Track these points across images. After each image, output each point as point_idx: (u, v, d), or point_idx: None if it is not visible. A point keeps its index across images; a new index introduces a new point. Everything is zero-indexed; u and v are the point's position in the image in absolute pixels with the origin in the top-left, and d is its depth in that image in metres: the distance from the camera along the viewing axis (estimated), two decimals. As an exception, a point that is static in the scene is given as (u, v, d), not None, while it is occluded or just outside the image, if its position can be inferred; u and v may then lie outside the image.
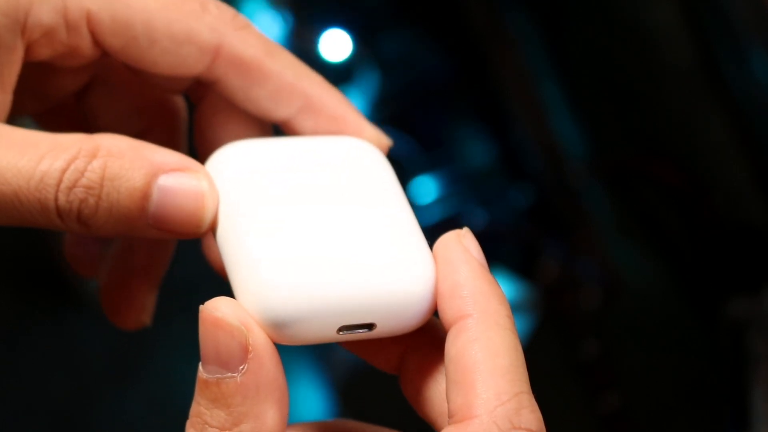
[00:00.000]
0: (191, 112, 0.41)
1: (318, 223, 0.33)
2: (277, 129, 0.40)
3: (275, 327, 0.32)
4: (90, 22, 0.36)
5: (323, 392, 0.84)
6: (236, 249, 0.33)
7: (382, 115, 0.89)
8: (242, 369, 0.32)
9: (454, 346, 0.33)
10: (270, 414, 0.32)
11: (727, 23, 0.85)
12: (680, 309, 0.94)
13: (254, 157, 0.35)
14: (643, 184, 0.93)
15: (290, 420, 0.37)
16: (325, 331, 0.33)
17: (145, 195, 0.33)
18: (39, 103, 0.40)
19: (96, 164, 0.33)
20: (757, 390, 0.83)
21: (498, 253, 0.93)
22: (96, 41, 0.37)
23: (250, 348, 0.32)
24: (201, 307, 0.33)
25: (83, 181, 0.32)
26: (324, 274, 0.32)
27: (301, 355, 0.84)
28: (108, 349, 0.78)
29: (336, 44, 0.88)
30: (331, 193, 0.34)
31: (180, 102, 0.42)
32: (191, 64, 0.37)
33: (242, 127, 0.40)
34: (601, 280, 0.92)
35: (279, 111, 0.38)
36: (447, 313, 0.33)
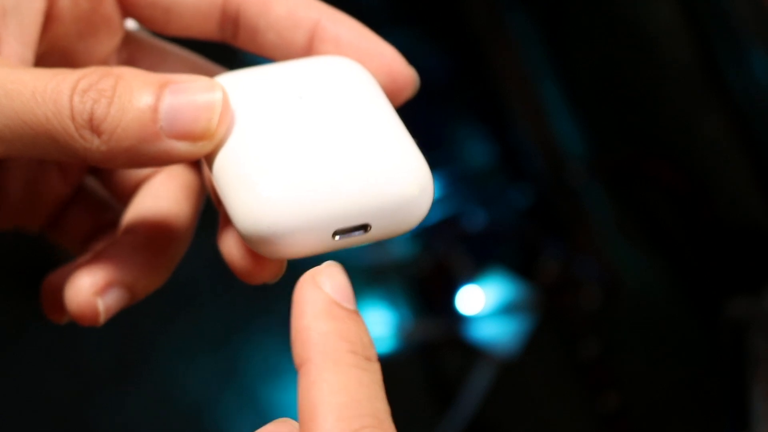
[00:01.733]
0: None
1: (307, 136, 0.33)
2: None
3: (274, 240, 0.32)
4: None
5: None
6: (227, 169, 0.34)
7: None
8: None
9: (299, 393, 0.32)
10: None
11: (727, 23, 0.85)
12: (680, 309, 0.94)
13: (241, 85, 0.36)
14: (643, 184, 0.93)
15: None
16: (322, 238, 0.33)
17: (157, 96, 0.33)
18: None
19: (110, 77, 0.34)
20: (757, 390, 0.83)
21: (498, 253, 0.93)
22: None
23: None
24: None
25: (97, 86, 0.33)
26: (314, 181, 0.32)
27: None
28: (108, 349, 0.78)
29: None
30: (318, 109, 0.34)
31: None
32: (214, 6, 0.38)
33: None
34: (601, 280, 0.92)
35: (299, 29, 0.38)
36: (294, 360, 0.33)
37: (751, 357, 0.85)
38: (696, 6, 0.87)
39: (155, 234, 0.40)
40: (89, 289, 0.38)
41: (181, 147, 0.34)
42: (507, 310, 0.91)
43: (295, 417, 0.39)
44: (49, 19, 0.36)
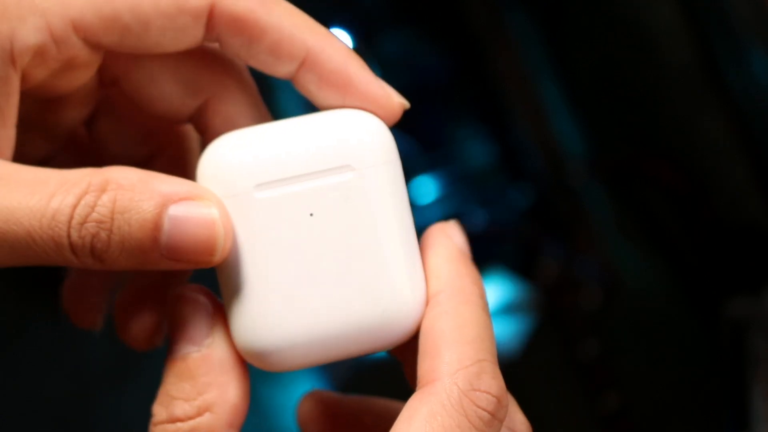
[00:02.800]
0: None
1: (309, 266, 0.34)
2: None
3: (262, 359, 0.35)
4: (77, 29, 0.35)
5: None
6: (230, 282, 0.35)
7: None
8: (207, 342, 0.34)
9: (426, 319, 0.34)
10: (232, 386, 0.34)
11: (727, 23, 0.85)
12: (680, 309, 0.94)
13: (246, 165, 0.35)
14: (643, 184, 0.93)
15: (290, 420, 0.38)
16: (309, 363, 0.35)
17: (156, 226, 0.33)
18: (50, 142, 0.40)
19: (106, 198, 0.33)
20: (757, 390, 0.83)
21: (498, 253, 0.93)
22: (91, 45, 0.36)
23: (215, 322, 0.35)
24: (174, 291, 0.35)
25: (94, 215, 0.33)
26: (306, 313, 0.34)
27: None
28: (108, 349, 0.78)
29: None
30: (324, 232, 0.35)
31: (190, 129, 0.42)
32: (192, 34, 0.36)
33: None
34: (601, 280, 0.92)
35: (281, 66, 0.37)
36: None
37: (751, 357, 0.85)
38: (696, 6, 0.87)
39: None
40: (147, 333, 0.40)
41: (182, 266, 0.34)
42: (507, 310, 0.91)
43: (293, 414, 0.39)
44: (23, 85, 0.36)
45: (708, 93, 0.88)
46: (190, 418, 0.34)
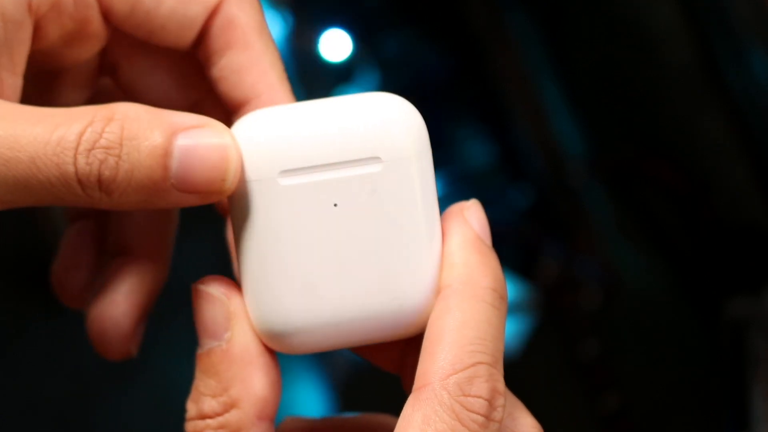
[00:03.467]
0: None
1: (330, 257, 0.34)
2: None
3: (281, 341, 0.35)
4: None
5: (323, 392, 0.84)
6: (249, 268, 0.35)
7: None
8: (227, 336, 0.34)
9: (432, 314, 0.34)
10: (257, 378, 0.34)
11: (727, 23, 0.85)
12: (680, 309, 0.94)
13: (272, 150, 0.34)
14: (643, 184, 0.93)
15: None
16: (326, 347, 0.35)
17: (166, 152, 0.32)
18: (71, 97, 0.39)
19: (114, 126, 0.32)
20: (757, 390, 0.83)
21: (498, 253, 0.93)
22: (104, 10, 0.36)
23: (232, 315, 0.34)
24: (192, 285, 0.35)
25: (102, 142, 0.31)
26: (324, 298, 0.34)
27: (301, 356, 0.84)
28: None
29: (336, 44, 0.88)
30: (347, 223, 0.34)
31: None
32: (193, 25, 0.36)
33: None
34: (601, 280, 0.92)
35: (239, 87, 0.37)
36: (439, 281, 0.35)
37: (751, 357, 0.85)
38: (696, 6, 0.87)
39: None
40: (128, 339, 0.39)
41: (192, 199, 0.33)
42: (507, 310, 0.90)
43: (293, 414, 0.39)
44: (35, 43, 0.36)
45: (708, 93, 0.88)
46: (218, 414, 0.34)
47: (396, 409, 0.35)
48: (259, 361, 0.34)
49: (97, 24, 0.36)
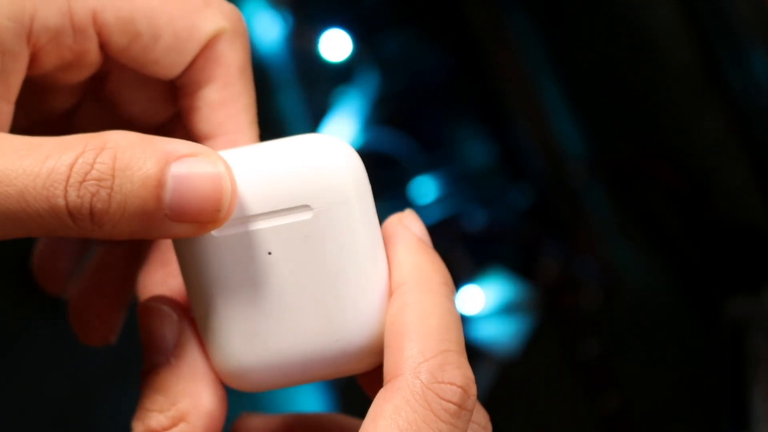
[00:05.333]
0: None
1: (268, 293, 0.35)
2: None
3: (237, 380, 0.35)
4: (95, 21, 0.35)
5: (323, 392, 0.84)
6: (197, 311, 0.35)
7: (382, 115, 0.89)
8: (176, 352, 0.34)
9: (389, 313, 0.34)
10: (205, 393, 0.34)
11: (727, 23, 0.85)
12: (680, 309, 0.94)
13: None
14: (643, 184, 0.93)
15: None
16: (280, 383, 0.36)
17: (160, 183, 0.31)
18: (29, 123, 0.39)
19: (106, 156, 0.31)
20: (757, 390, 0.83)
21: (498, 253, 0.93)
22: (102, 42, 0.36)
23: (181, 330, 0.34)
24: (140, 302, 0.35)
25: (93, 173, 0.31)
26: (268, 341, 0.35)
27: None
28: (107, 349, 0.78)
29: (336, 44, 0.88)
30: (283, 257, 0.34)
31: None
32: (185, 60, 0.37)
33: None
34: (601, 280, 0.92)
35: (209, 122, 0.37)
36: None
37: (751, 357, 0.85)
38: (696, 6, 0.87)
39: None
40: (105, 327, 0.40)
41: (187, 229, 0.33)
42: (507, 310, 0.91)
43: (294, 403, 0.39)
44: (30, 70, 0.35)
45: (708, 93, 0.88)
46: (166, 429, 0.34)
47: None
48: (207, 377, 0.34)
49: (94, 55, 0.36)
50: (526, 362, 0.90)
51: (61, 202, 0.30)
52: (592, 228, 0.93)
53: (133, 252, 0.41)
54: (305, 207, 0.34)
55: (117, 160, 0.31)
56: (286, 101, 0.86)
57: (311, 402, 0.84)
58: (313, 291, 0.34)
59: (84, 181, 0.31)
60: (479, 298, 0.89)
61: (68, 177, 0.31)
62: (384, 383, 0.33)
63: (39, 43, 0.34)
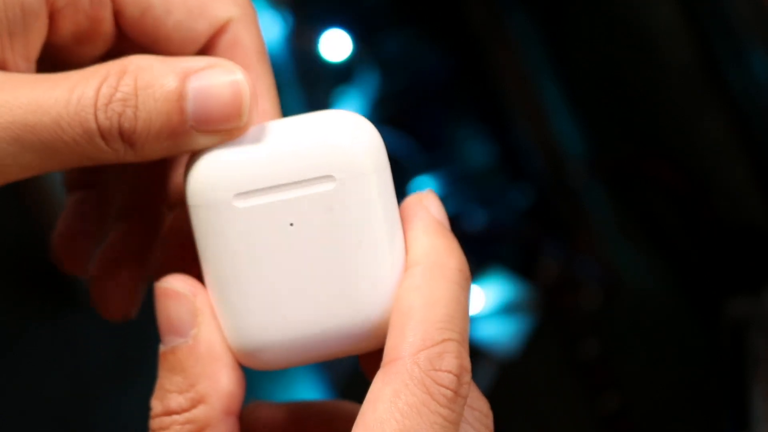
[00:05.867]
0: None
1: (289, 266, 0.35)
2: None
3: (252, 358, 0.35)
4: None
5: (323, 392, 0.84)
6: (214, 287, 0.35)
7: (382, 115, 0.89)
8: (193, 333, 0.34)
9: (399, 292, 0.35)
10: (224, 373, 0.34)
11: (727, 23, 0.85)
12: (680, 309, 0.94)
13: (226, 174, 0.35)
14: (643, 184, 0.93)
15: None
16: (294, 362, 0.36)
17: (181, 95, 0.33)
18: None
19: (128, 78, 0.33)
20: (757, 390, 0.83)
21: (498, 253, 0.93)
22: (116, 11, 0.37)
23: (198, 311, 0.34)
24: (155, 283, 0.35)
25: (118, 95, 0.32)
26: (288, 316, 0.35)
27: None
28: (107, 349, 0.78)
29: (336, 44, 0.88)
30: (305, 239, 0.35)
31: None
32: (197, 40, 0.37)
33: None
34: (601, 280, 0.92)
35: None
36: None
37: (751, 357, 0.85)
38: (696, 6, 0.87)
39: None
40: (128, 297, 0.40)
41: (214, 139, 0.34)
42: (507, 310, 0.91)
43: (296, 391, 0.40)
44: (49, 36, 0.36)
45: (708, 93, 0.88)
46: (185, 410, 0.34)
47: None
48: (226, 357, 0.35)
49: (108, 25, 0.37)
50: (526, 362, 0.90)
51: (92, 125, 0.32)
52: (592, 228, 0.93)
53: (154, 224, 0.41)
54: (329, 177, 0.34)
55: (138, 80, 0.33)
56: (286, 101, 0.86)
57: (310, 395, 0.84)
58: (333, 264, 0.34)
59: (110, 103, 0.32)
60: (479, 298, 0.89)
61: (96, 101, 0.32)
62: (382, 364, 0.33)
63: (57, 5, 0.36)
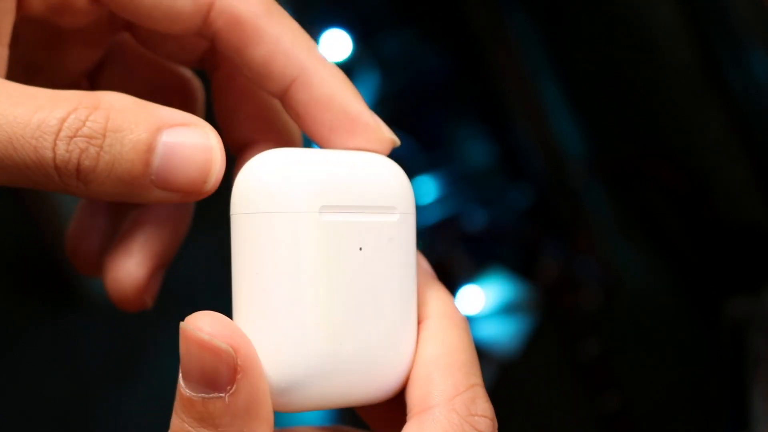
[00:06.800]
0: (208, 89, 0.40)
1: (350, 293, 0.33)
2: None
3: (284, 399, 0.33)
4: None
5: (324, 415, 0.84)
6: (267, 308, 0.32)
7: (382, 115, 0.89)
8: (230, 390, 0.31)
9: (418, 347, 0.34)
10: (261, 431, 0.31)
11: (727, 23, 0.85)
12: (680, 309, 0.94)
13: (314, 184, 0.33)
14: (643, 184, 0.93)
15: (290, 423, 0.37)
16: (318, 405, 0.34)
17: (150, 148, 0.31)
18: (51, 84, 0.38)
19: (99, 115, 0.31)
20: (757, 390, 0.83)
21: (498, 253, 0.93)
22: None
23: (239, 369, 0.31)
24: (182, 324, 0.32)
25: (85, 130, 0.30)
26: (342, 346, 0.33)
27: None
28: (108, 349, 0.78)
29: (336, 44, 0.88)
30: (371, 254, 0.34)
31: (195, 82, 0.40)
32: (186, 18, 0.35)
33: (256, 98, 0.38)
34: (601, 280, 0.92)
35: (273, 79, 0.35)
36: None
37: (751, 357, 0.85)
38: (696, 6, 0.87)
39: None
40: (139, 283, 0.38)
41: (171, 197, 0.32)
42: (507, 310, 0.91)
43: (296, 423, 0.39)
44: (21, 11, 0.35)
45: (708, 93, 0.88)
46: None
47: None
48: (264, 412, 0.31)
49: (81, 2, 0.35)
50: (526, 362, 0.90)
51: (48, 154, 0.30)
52: (592, 228, 0.93)
53: (169, 214, 0.40)
54: (392, 208, 0.34)
55: (109, 121, 0.31)
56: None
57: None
58: (387, 298, 0.34)
59: (74, 136, 0.30)
60: (479, 298, 0.89)
61: (59, 131, 0.30)
62: (414, 413, 0.33)
63: None
